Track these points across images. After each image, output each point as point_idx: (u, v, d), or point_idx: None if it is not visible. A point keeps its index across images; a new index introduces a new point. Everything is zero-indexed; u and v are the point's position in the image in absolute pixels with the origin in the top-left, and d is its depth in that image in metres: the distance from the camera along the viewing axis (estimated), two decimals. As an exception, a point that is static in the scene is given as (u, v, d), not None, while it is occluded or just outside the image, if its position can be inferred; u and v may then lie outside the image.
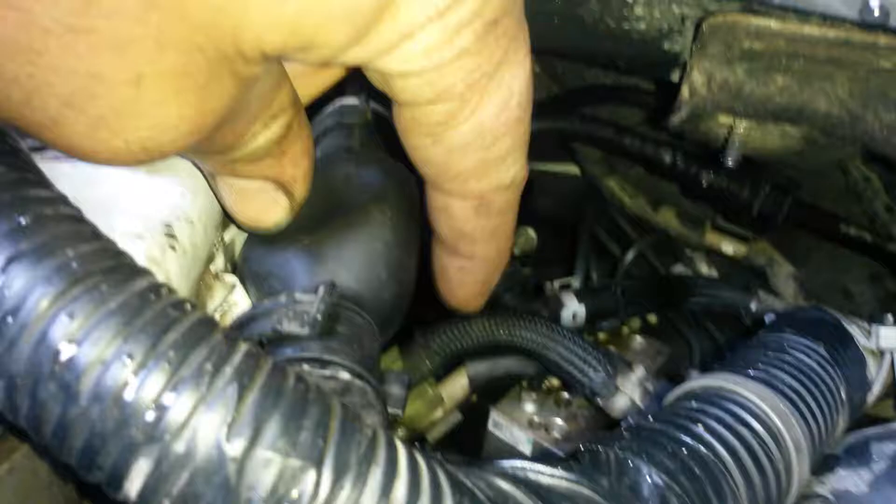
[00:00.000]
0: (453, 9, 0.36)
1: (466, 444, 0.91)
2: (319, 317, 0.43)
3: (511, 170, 0.45)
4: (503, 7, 0.38)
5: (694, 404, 0.45)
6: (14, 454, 0.42)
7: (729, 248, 1.08)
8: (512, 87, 0.41)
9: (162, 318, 0.30)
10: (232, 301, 0.56)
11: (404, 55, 0.37)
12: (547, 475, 0.36)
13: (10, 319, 0.29)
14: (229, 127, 0.39)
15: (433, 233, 0.52)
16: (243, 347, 0.32)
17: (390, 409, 0.47)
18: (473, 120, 0.41)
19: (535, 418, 0.87)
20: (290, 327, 0.43)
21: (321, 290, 0.45)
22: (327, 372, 0.42)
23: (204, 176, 0.50)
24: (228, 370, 0.30)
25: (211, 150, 0.41)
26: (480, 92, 0.40)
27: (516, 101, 0.42)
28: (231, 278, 0.57)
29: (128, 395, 0.28)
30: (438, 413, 0.87)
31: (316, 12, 0.34)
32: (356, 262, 0.49)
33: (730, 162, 0.74)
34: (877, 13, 0.51)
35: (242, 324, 0.47)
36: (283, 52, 0.36)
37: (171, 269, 0.48)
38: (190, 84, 0.34)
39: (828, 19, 0.56)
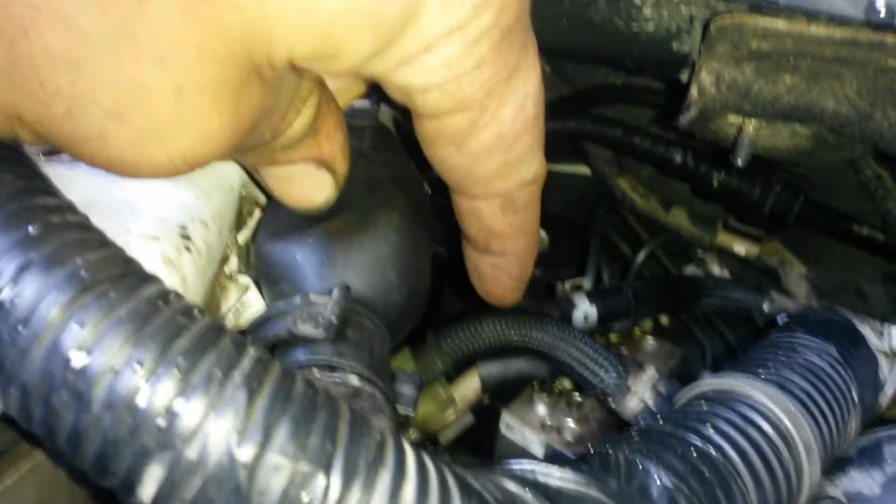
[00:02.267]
0: (473, 21, 0.37)
1: (478, 445, 0.91)
2: (334, 319, 0.44)
3: (532, 166, 0.47)
4: (516, 15, 0.39)
5: (704, 406, 0.45)
6: (36, 452, 0.42)
7: (741, 248, 1.06)
8: (526, 89, 0.42)
9: (171, 324, 0.31)
10: (246, 301, 0.57)
11: (425, 67, 0.38)
12: (556, 477, 0.36)
13: (21, 328, 0.29)
14: (265, 124, 0.40)
15: (464, 235, 0.54)
16: (252, 352, 0.32)
17: (402, 410, 0.47)
18: (493, 125, 0.42)
19: (547, 420, 0.87)
20: (305, 329, 0.43)
21: (335, 291, 0.45)
22: (337, 377, 0.42)
23: (247, 171, 0.51)
24: (237, 376, 0.30)
25: (250, 147, 0.42)
26: (498, 97, 0.41)
27: (531, 102, 0.43)
28: (245, 279, 0.57)
29: (139, 403, 0.29)
30: (450, 415, 0.87)
31: (344, 22, 0.35)
32: (364, 265, 0.50)
33: (739, 161, 0.73)
34: (883, 13, 0.51)
35: (258, 325, 0.48)
36: (310, 60, 0.37)
37: (187, 270, 0.48)
38: (226, 94, 0.35)
39: (834, 19, 0.56)
